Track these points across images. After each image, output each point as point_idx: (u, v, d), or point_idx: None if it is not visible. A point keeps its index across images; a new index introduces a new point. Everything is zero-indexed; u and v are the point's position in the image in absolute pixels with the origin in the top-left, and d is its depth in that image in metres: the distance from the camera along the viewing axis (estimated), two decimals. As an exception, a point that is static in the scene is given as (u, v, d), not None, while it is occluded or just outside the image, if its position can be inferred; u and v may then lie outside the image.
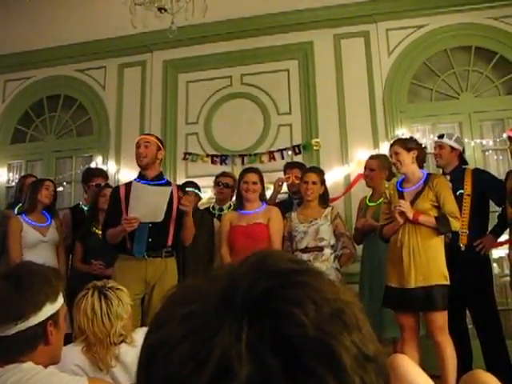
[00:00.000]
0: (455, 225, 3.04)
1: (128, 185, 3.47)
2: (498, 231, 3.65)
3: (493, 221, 3.74)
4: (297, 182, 3.93)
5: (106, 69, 5.51)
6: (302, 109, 4.91)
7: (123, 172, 5.14)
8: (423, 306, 2.97)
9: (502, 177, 3.72)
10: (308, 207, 3.67)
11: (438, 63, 4.80)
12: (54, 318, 1.40)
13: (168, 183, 3.55)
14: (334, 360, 0.40)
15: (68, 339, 1.74)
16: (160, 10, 3.67)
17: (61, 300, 1.45)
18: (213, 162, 5.00)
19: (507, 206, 3.40)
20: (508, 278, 3.78)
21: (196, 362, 0.39)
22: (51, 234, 3.92)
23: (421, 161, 3.23)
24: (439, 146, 3.79)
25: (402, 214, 3.03)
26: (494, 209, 3.80)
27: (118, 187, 3.59)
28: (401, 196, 3.16)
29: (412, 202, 3.08)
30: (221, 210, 4.21)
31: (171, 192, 3.35)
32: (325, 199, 3.71)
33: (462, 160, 3.80)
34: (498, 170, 4.42)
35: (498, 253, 4.17)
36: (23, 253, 3.77)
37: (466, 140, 4.25)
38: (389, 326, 3.30)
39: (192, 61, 5.23)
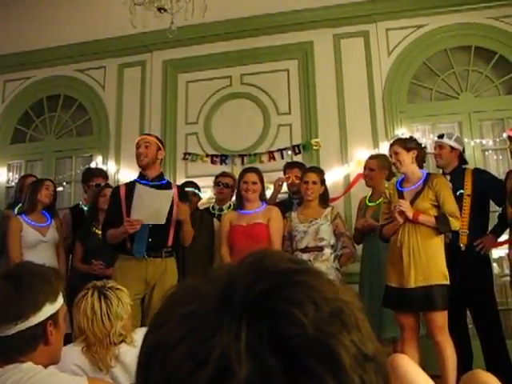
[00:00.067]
0: (455, 224, 3.04)
1: (128, 185, 3.46)
2: (498, 231, 3.65)
3: (493, 221, 3.74)
4: (297, 181, 3.93)
5: (105, 69, 5.51)
6: (302, 109, 4.90)
7: (123, 172, 5.14)
8: (423, 305, 2.96)
9: (502, 177, 3.72)
10: (308, 207, 3.67)
11: (437, 63, 4.79)
12: (53, 318, 1.40)
13: (168, 183, 3.56)
14: (334, 359, 0.40)
15: (68, 339, 1.74)
16: (160, 10, 3.66)
17: (60, 300, 1.45)
18: (212, 162, 4.99)
19: (507, 205, 3.40)
20: (508, 278, 3.79)
21: (195, 362, 0.39)
22: (51, 234, 3.92)
23: (420, 161, 3.23)
24: (439, 145, 3.78)
25: (402, 213, 3.03)
26: (494, 209, 3.80)
27: (118, 187, 3.59)
28: (400, 196, 3.15)
29: (412, 202, 3.07)
30: (221, 209, 4.21)
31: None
32: (325, 199, 3.71)
33: (462, 160, 3.80)
34: (497, 169, 4.42)
35: (497, 253, 4.16)
36: (23, 253, 3.77)
37: (465, 140, 4.24)
38: (388, 326, 3.30)
39: (192, 61, 5.22)
